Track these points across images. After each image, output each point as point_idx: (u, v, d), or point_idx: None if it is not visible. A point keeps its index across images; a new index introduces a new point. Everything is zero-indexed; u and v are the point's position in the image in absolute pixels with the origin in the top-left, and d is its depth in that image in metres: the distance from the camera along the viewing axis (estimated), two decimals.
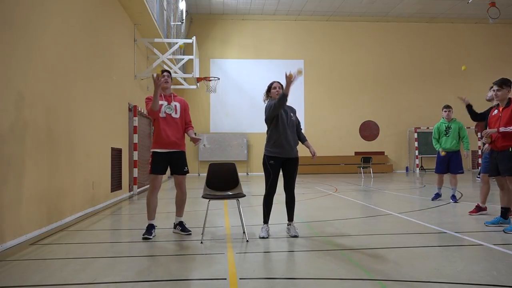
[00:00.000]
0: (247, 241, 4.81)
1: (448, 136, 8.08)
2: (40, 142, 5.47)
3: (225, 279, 3.42)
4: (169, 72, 5.33)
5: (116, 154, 9.47)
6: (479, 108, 6.78)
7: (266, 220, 5.09)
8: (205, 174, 5.43)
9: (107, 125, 8.77)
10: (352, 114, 21.59)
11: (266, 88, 5.42)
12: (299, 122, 5.29)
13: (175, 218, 5.39)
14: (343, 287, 3.25)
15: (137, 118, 11.10)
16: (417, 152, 21.19)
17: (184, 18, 18.25)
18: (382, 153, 21.64)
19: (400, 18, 21.79)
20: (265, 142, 5.18)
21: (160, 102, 5.10)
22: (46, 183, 5.62)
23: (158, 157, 5.10)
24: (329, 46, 21.76)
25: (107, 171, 8.77)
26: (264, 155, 5.09)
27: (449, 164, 8.10)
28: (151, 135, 13.68)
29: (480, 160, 18.56)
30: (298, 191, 10.87)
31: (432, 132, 8.56)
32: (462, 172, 8.20)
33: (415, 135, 21.27)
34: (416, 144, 21.22)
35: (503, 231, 5.14)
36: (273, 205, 5.11)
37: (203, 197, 5.13)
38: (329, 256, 4.20)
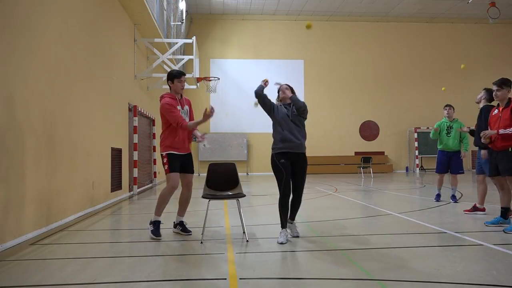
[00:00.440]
0: (247, 241, 4.81)
1: (450, 136, 8.08)
2: (40, 142, 5.47)
3: (225, 279, 3.42)
4: (184, 74, 5.37)
5: (116, 154, 9.47)
6: (477, 108, 6.77)
7: (284, 224, 4.81)
8: (205, 174, 5.44)
9: (107, 125, 8.77)
10: (352, 114, 21.59)
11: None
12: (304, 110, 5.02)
13: (176, 217, 5.39)
14: (343, 287, 3.25)
15: (137, 118, 11.10)
16: (417, 152, 21.20)
17: (184, 18, 18.25)
18: (382, 153, 21.65)
19: (400, 18, 21.79)
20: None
21: (178, 108, 5.14)
22: (46, 183, 5.62)
23: (174, 158, 5.14)
24: (329, 46, 21.76)
25: (107, 171, 8.77)
26: (272, 155, 4.97)
27: (450, 164, 8.10)
28: (151, 135, 13.69)
29: None
30: None
31: (430, 132, 8.56)
32: (463, 172, 8.21)
33: (415, 135, 21.27)
34: (416, 144, 21.23)
35: (503, 231, 5.14)
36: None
37: (203, 197, 5.13)
38: (329, 256, 4.20)
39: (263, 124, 22.78)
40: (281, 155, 4.87)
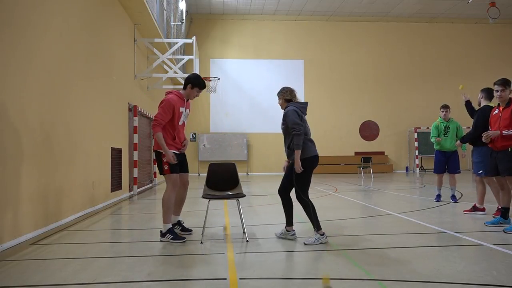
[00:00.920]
0: (247, 241, 4.81)
1: (447, 136, 8.08)
2: (40, 142, 5.47)
3: (225, 279, 3.42)
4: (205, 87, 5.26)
5: (116, 154, 9.47)
6: (477, 107, 6.79)
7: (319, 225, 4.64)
8: (205, 174, 5.43)
9: (107, 125, 8.77)
10: (352, 114, 21.59)
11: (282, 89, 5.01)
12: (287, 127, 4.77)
13: (172, 218, 5.23)
14: (343, 287, 3.25)
15: (137, 118, 11.10)
16: (417, 152, 21.19)
17: (184, 18, 18.25)
18: (382, 153, 21.64)
19: (400, 18, 21.79)
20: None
21: (181, 110, 5.04)
22: (46, 183, 5.62)
23: (175, 157, 5.07)
24: (329, 46, 21.76)
25: (107, 171, 8.77)
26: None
27: (448, 164, 8.11)
28: (151, 135, 13.69)
29: None
30: None
31: (430, 132, 8.55)
32: (459, 172, 8.21)
33: (415, 135, 21.26)
34: (416, 144, 21.22)
35: (503, 231, 5.14)
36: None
37: (203, 197, 5.13)
38: (329, 256, 4.20)
39: (263, 124, 22.90)
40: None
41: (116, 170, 9.43)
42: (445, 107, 8.27)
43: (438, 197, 8.29)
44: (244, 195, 5.19)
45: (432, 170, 8.71)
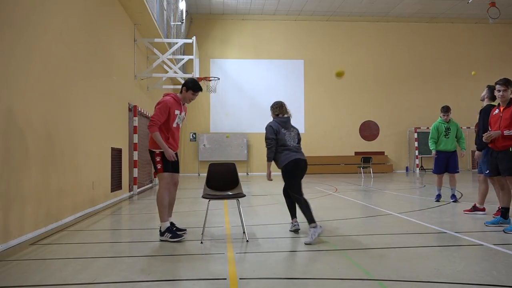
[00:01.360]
0: (247, 241, 4.81)
1: (448, 137, 8.08)
2: (40, 142, 5.47)
3: (225, 279, 3.42)
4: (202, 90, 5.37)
5: (116, 154, 9.47)
6: (477, 107, 6.75)
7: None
8: (205, 174, 5.43)
9: (107, 125, 8.77)
10: (352, 114, 21.59)
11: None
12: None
13: None
14: (343, 287, 3.25)
15: (137, 118, 11.10)
16: (417, 152, 21.19)
17: (184, 18, 18.25)
18: (382, 153, 21.64)
19: (400, 18, 21.79)
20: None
21: (176, 112, 5.09)
22: (46, 183, 5.62)
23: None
24: (329, 46, 21.76)
25: (107, 171, 8.77)
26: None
27: (447, 164, 8.11)
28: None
29: None
30: None
31: (430, 132, 8.53)
32: (458, 172, 8.22)
33: (415, 135, 21.26)
34: (416, 144, 21.22)
35: (503, 231, 5.14)
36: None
37: (203, 197, 5.13)
38: (329, 256, 4.20)
39: (263, 124, 22.83)
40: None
41: (116, 170, 9.44)
42: (446, 110, 8.23)
43: (438, 197, 8.30)
44: (244, 195, 5.19)
45: (432, 170, 8.70)
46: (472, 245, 4.59)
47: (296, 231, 5.24)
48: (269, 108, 5.46)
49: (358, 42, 21.88)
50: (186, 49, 18.05)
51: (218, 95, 19.60)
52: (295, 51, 21.56)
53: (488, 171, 6.15)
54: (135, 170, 10.95)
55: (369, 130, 21.63)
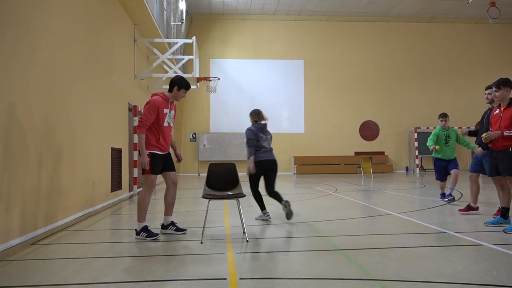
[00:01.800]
0: (247, 241, 4.81)
1: (448, 146, 8.03)
2: (40, 141, 5.47)
3: (225, 279, 3.42)
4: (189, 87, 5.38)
5: (116, 154, 9.47)
6: (480, 108, 6.76)
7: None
8: (205, 174, 5.43)
9: (107, 125, 8.77)
10: (352, 114, 21.58)
11: (252, 110, 6.65)
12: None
13: (165, 218, 5.29)
14: (343, 287, 3.25)
15: (137, 118, 11.10)
16: (417, 152, 21.18)
17: (184, 18, 18.25)
18: (382, 153, 21.64)
19: (400, 18, 21.78)
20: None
21: (165, 111, 5.09)
22: (46, 183, 5.62)
23: (157, 158, 5.08)
24: (329, 46, 21.75)
25: (107, 171, 8.77)
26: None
27: (448, 167, 8.08)
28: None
29: None
30: (298, 191, 10.90)
31: (430, 134, 8.50)
32: (458, 168, 8.19)
33: (415, 135, 21.25)
34: (416, 144, 21.20)
35: (503, 231, 5.14)
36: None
37: (203, 197, 5.13)
38: (329, 256, 4.20)
39: None
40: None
41: (116, 170, 9.44)
42: (444, 116, 8.19)
43: (443, 195, 8.27)
44: (244, 195, 5.19)
45: (432, 169, 8.67)
46: (472, 245, 4.59)
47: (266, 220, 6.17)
48: (248, 115, 6.55)
49: (358, 42, 21.87)
50: (186, 49, 18.04)
51: (218, 95, 19.59)
52: (295, 51, 21.56)
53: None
54: (135, 170, 10.96)
55: (369, 130, 21.63)
